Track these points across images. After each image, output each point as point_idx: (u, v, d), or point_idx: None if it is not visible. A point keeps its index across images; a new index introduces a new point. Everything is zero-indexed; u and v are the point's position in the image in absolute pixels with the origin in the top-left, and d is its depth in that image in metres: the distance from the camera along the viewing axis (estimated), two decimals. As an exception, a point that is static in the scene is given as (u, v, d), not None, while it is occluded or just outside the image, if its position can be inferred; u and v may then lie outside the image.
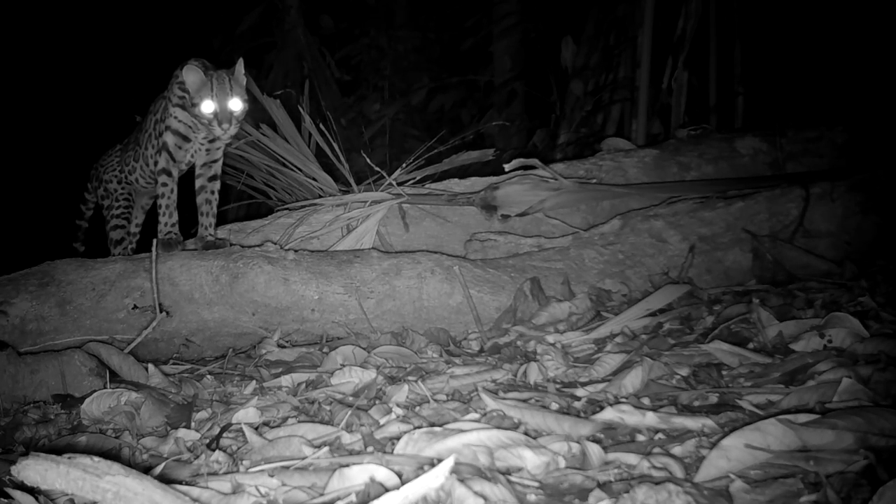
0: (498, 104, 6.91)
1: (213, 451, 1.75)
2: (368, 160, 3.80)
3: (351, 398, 2.16)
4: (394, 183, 3.58)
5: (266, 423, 2.01)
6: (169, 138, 3.13)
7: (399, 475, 1.41)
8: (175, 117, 3.10)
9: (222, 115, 2.92)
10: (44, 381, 2.47)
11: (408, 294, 2.96)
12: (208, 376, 2.61)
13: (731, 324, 2.40)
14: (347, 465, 1.44)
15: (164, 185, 3.16)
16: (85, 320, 2.95)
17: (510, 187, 3.49)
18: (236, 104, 2.96)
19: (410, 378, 2.39)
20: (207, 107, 2.90)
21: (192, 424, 2.10)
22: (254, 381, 2.49)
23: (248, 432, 1.80)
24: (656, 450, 1.49)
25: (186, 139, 3.14)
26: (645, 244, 3.22)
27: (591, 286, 3.05)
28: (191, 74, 2.93)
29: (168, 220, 3.17)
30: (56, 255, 3.12)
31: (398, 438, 1.62)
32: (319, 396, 2.22)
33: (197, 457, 1.77)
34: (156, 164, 3.22)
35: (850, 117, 3.95)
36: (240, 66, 3.03)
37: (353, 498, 1.37)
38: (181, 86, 3.02)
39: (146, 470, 1.48)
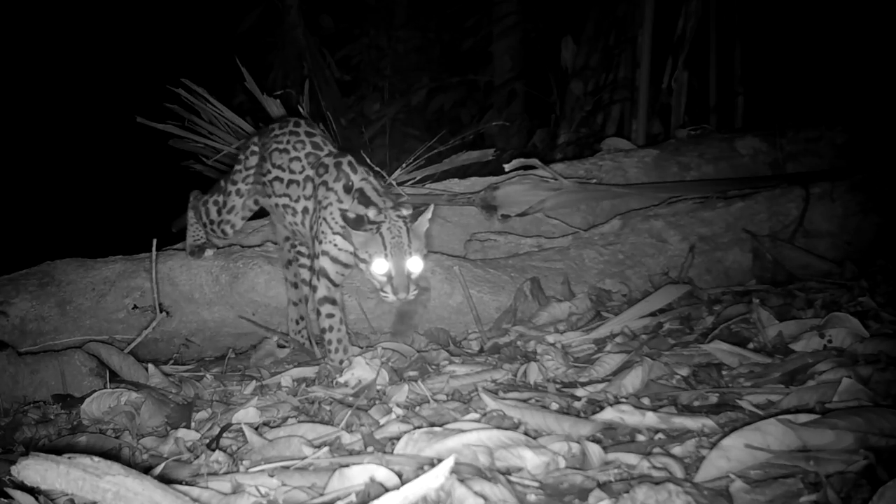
0: (498, 104, 6.91)
1: (213, 451, 1.75)
2: (368, 160, 3.80)
3: (351, 398, 2.16)
4: (394, 183, 3.58)
5: (266, 423, 2.01)
6: (327, 264, 2.53)
7: (399, 475, 1.41)
8: (334, 244, 2.50)
9: (399, 282, 2.27)
10: (44, 381, 2.47)
11: (408, 294, 2.96)
12: (208, 376, 2.61)
13: (731, 324, 2.40)
14: (347, 465, 1.44)
15: (331, 315, 2.53)
16: (85, 320, 2.95)
17: (510, 187, 3.49)
18: (416, 264, 2.30)
19: (412, 374, 2.40)
20: (379, 267, 2.28)
21: (192, 424, 2.10)
22: (254, 381, 2.49)
23: (248, 432, 1.80)
24: (656, 450, 1.49)
25: (347, 266, 2.55)
26: (645, 244, 3.22)
27: (591, 286, 3.06)
28: (356, 233, 2.31)
29: (342, 356, 2.53)
30: (56, 255, 3.12)
31: (398, 438, 1.62)
32: (320, 396, 2.22)
33: (197, 457, 1.77)
34: (312, 288, 2.58)
35: (850, 117, 3.95)
36: (426, 215, 2.38)
37: (353, 498, 1.37)
38: (344, 212, 2.40)
39: (146, 470, 1.48)
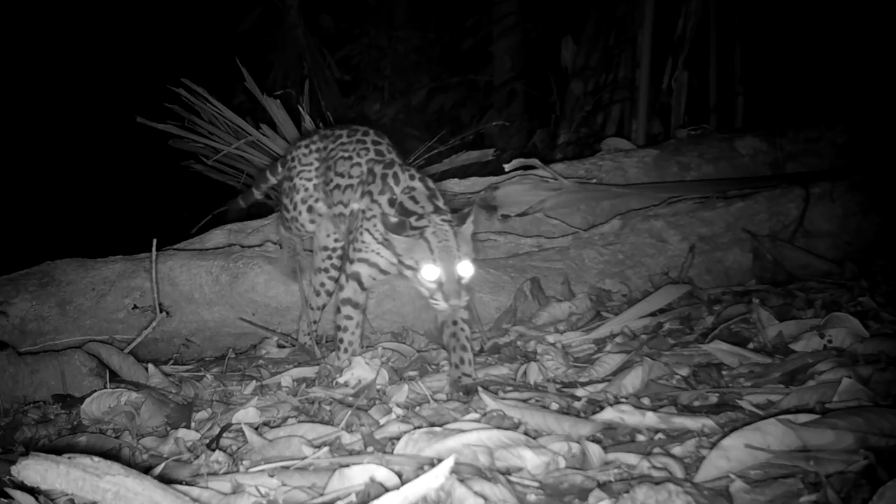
0: (498, 104, 6.91)
1: (213, 451, 1.75)
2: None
3: (351, 398, 2.16)
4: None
5: (266, 423, 2.01)
6: (362, 269, 2.45)
7: (399, 475, 1.41)
8: (377, 252, 2.41)
9: (450, 288, 2.12)
10: (44, 381, 2.47)
11: (408, 294, 2.96)
12: (208, 376, 2.61)
13: (731, 324, 2.41)
14: (347, 465, 1.44)
15: (349, 317, 2.48)
16: (85, 320, 2.95)
17: (510, 187, 3.49)
18: (466, 268, 2.15)
19: (411, 374, 2.40)
20: (429, 273, 2.13)
21: (192, 424, 2.10)
22: (254, 381, 2.49)
23: (248, 432, 1.80)
24: (656, 450, 1.49)
25: (385, 273, 2.47)
26: (645, 244, 3.22)
27: (591, 286, 3.06)
28: (398, 239, 2.18)
29: (349, 357, 2.48)
30: (56, 255, 3.12)
31: (398, 438, 1.62)
32: (320, 396, 2.22)
33: (197, 457, 1.77)
34: (339, 286, 2.50)
35: (850, 117, 3.95)
36: (472, 217, 2.24)
37: (353, 498, 1.37)
38: (385, 221, 2.22)
39: (146, 470, 1.48)
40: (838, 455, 1.36)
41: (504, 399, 1.83)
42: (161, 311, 2.88)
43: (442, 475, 1.28)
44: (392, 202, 2.34)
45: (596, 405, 1.85)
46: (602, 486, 1.37)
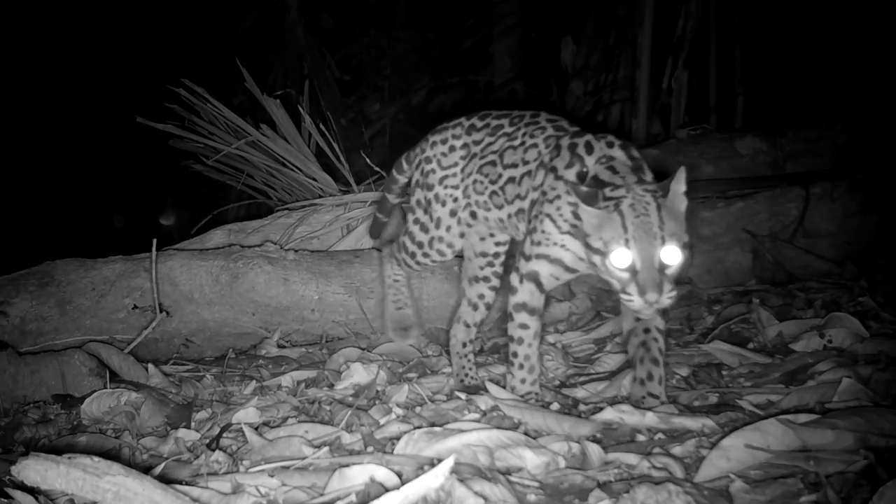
0: (498, 104, 6.91)
1: (213, 451, 1.75)
2: (368, 160, 3.80)
3: (351, 398, 2.16)
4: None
5: (266, 423, 2.01)
6: (542, 268, 1.97)
7: (399, 475, 1.41)
8: (562, 246, 1.93)
9: (646, 277, 1.63)
10: (44, 381, 2.47)
11: (408, 294, 2.95)
12: (208, 376, 2.61)
13: (731, 324, 2.41)
14: (347, 465, 1.44)
15: (524, 326, 1.98)
16: (85, 320, 2.95)
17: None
18: (671, 254, 1.65)
19: (411, 375, 2.40)
20: (620, 259, 1.66)
21: (192, 424, 2.10)
22: (254, 381, 2.49)
23: (248, 432, 1.80)
24: (656, 450, 1.50)
25: (572, 271, 1.99)
26: (645, 244, 3.22)
27: (591, 286, 3.05)
28: (589, 212, 1.72)
29: (527, 376, 1.97)
30: (56, 255, 3.12)
31: (398, 438, 1.62)
32: (320, 396, 2.23)
33: (197, 457, 1.77)
34: (511, 290, 2.01)
35: (850, 117, 3.95)
36: (679, 178, 1.77)
37: (353, 498, 1.37)
38: (573, 206, 1.84)
39: (146, 470, 1.48)
40: (838, 455, 1.36)
41: (504, 399, 1.83)
42: (161, 311, 2.88)
43: (442, 475, 1.28)
44: (582, 176, 1.88)
45: (596, 405, 1.85)
46: (602, 486, 1.37)
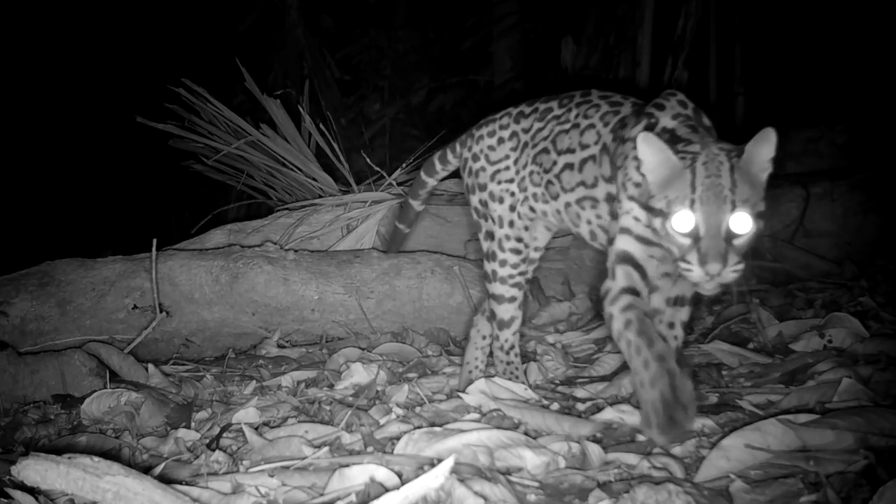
0: (498, 104, 6.91)
1: (213, 451, 1.75)
2: (368, 160, 3.80)
3: (351, 398, 2.16)
4: (394, 183, 3.58)
5: (266, 423, 2.01)
6: (629, 245, 1.74)
7: (399, 475, 1.41)
8: (635, 217, 1.71)
9: (709, 245, 1.46)
10: (44, 381, 2.47)
11: (408, 294, 2.96)
12: (208, 376, 2.61)
13: (731, 324, 2.41)
14: (347, 465, 1.44)
15: (628, 309, 1.70)
16: (85, 320, 2.95)
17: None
18: (741, 222, 1.47)
19: (411, 375, 2.40)
20: (681, 222, 1.50)
21: (192, 424, 2.10)
22: (254, 381, 2.49)
23: (248, 432, 1.80)
24: (656, 450, 1.50)
25: (659, 247, 1.68)
26: (645, 244, 3.22)
27: (591, 286, 3.05)
28: (649, 148, 1.55)
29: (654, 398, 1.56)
30: (56, 255, 3.12)
31: (398, 438, 1.62)
32: (320, 396, 2.23)
33: (197, 457, 1.77)
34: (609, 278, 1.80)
35: (851, 117, 3.95)
36: (763, 139, 1.62)
37: (353, 498, 1.37)
38: (637, 162, 1.62)
39: (146, 470, 1.48)
40: (838, 455, 1.36)
41: (504, 399, 1.83)
42: (161, 311, 2.88)
43: (442, 475, 1.28)
44: (651, 127, 1.69)
45: (596, 405, 1.85)
46: (602, 486, 1.37)
